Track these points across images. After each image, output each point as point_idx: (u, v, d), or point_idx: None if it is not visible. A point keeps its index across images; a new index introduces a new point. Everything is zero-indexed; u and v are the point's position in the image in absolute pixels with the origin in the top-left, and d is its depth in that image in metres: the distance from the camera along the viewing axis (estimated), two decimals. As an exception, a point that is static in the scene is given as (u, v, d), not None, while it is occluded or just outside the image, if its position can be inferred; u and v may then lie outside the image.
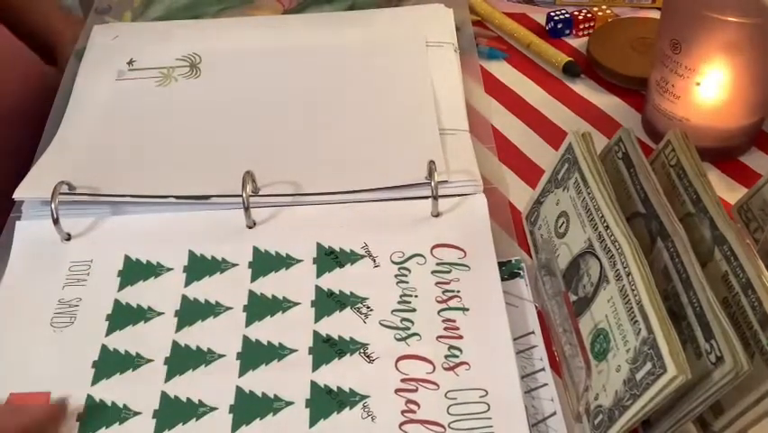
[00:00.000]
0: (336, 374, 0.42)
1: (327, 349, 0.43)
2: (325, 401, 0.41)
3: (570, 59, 0.62)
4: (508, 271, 0.47)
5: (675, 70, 0.52)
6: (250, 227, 0.50)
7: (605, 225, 0.41)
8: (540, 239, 0.47)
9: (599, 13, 0.67)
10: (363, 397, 0.41)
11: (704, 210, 0.41)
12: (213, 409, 0.41)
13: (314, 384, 0.42)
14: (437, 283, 0.46)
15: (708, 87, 0.51)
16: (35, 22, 0.71)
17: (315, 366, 0.43)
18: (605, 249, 0.40)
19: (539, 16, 0.68)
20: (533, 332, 0.44)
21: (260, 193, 0.51)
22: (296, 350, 0.43)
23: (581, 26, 0.66)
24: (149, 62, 0.62)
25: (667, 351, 0.34)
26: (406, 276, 0.47)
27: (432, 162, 0.50)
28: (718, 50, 0.49)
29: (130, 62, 0.62)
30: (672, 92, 0.53)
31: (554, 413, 0.40)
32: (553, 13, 0.66)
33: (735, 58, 0.49)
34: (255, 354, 0.43)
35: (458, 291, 0.45)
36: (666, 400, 0.36)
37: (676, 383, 0.34)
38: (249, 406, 0.41)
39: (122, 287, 0.47)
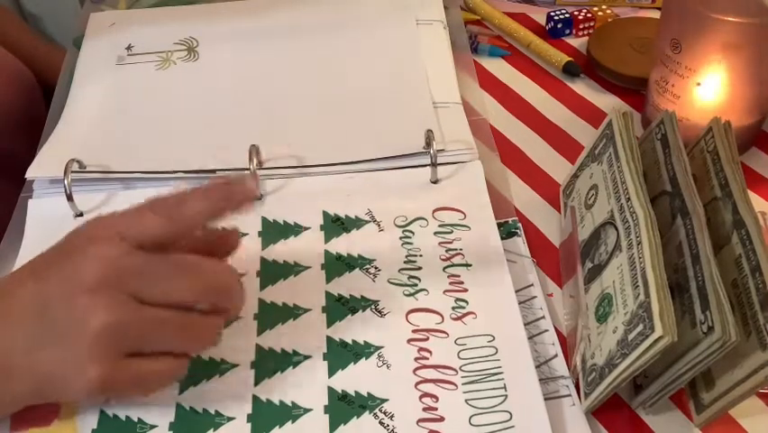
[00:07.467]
0: (350, 330, 0.44)
1: (340, 307, 0.46)
2: (341, 354, 0.43)
3: (570, 59, 0.62)
4: (506, 231, 0.50)
5: (675, 70, 0.52)
6: (257, 199, 0.52)
7: (627, 196, 0.42)
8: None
9: (599, 13, 0.67)
10: (378, 348, 0.43)
11: (729, 195, 0.42)
12: (234, 365, 0.43)
13: (329, 339, 0.44)
14: (440, 243, 0.49)
15: (708, 87, 0.51)
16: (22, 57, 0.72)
17: (330, 323, 0.45)
18: (623, 219, 0.42)
19: (539, 16, 0.68)
20: (532, 284, 0.47)
21: (265, 166, 0.54)
22: (310, 309, 0.46)
23: (581, 26, 0.66)
24: (147, 47, 0.64)
25: (658, 313, 0.36)
26: (410, 238, 0.49)
27: (429, 131, 0.53)
28: (718, 50, 0.49)
29: (129, 48, 0.64)
30: (672, 92, 0.53)
31: (556, 355, 0.43)
32: (553, 13, 0.66)
33: (735, 58, 0.49)
34: (271, 314, 0.45)
35: (460, 249, 0.48)
36: (656, 365, 0.38)
37: (662, 343, 0.35)
38: (267, 362, 0.43)
39: (137, 258, 0.49)
